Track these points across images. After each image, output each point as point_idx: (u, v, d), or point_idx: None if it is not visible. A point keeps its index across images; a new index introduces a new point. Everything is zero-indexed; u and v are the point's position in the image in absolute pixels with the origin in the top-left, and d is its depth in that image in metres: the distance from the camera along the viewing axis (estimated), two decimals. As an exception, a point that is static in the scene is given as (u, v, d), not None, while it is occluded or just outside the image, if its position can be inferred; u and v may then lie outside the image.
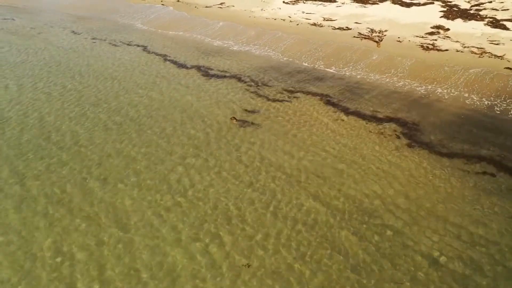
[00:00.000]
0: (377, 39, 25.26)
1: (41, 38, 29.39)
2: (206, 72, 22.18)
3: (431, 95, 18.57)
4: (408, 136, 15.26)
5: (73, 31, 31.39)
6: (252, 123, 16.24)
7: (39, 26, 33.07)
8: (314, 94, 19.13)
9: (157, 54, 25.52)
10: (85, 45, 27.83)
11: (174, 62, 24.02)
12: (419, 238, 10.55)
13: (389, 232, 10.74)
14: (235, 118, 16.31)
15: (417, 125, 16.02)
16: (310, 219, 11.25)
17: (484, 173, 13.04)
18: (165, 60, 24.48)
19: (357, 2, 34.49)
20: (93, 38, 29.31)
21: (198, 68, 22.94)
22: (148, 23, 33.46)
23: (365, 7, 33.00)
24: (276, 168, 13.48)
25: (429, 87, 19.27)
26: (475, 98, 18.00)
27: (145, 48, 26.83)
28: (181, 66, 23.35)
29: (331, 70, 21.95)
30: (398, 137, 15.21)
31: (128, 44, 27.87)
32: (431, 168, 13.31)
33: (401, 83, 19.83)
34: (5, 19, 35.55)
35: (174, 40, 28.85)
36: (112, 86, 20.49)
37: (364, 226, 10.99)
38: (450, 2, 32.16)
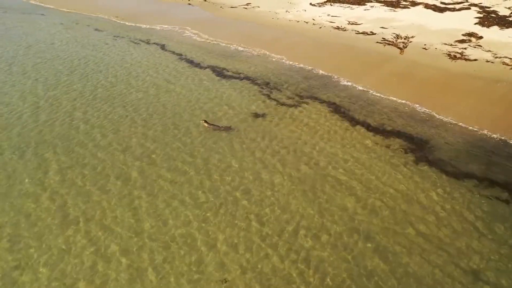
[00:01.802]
0: (401, 45, 23.88)
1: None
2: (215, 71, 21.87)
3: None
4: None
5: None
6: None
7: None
8: (322, 102, 18.25)
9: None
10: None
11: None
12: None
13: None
14: (206, 122, 15.97)
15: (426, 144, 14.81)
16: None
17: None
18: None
19: (387, 6, 32.99)
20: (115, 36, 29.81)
21: (213, 68, 22.64)
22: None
23: (394, 11, 31.45)
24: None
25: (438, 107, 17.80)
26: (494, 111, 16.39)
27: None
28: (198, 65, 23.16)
29: (343, 78, 20.82)
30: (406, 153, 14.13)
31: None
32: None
33: (408, 101, 18.18)
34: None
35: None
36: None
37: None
38: (489, 8, 29.99)
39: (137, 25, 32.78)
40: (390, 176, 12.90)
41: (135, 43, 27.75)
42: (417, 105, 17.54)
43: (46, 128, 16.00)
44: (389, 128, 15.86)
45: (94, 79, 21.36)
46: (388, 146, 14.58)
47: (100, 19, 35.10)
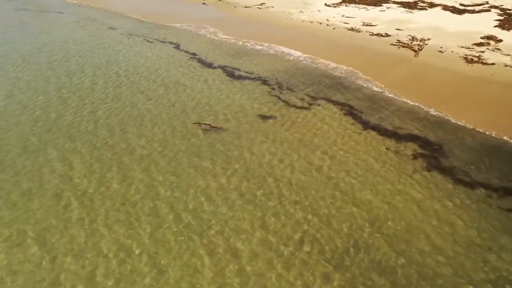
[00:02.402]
0: (416, 48, 23.31)
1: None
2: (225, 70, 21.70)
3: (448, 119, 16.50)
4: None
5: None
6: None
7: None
8: (336, 103, 17.88)
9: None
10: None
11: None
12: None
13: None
14: (199, 123, 15.94)
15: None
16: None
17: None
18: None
19: (404, 7, 32.33)
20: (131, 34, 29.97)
21: (224, 68, 22.49)
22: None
23: (411, 12, 30.79)
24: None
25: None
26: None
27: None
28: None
29: (355, 79, 20.36)
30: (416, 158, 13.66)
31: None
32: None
33: (422, 104, 17.64)
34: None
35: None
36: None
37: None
38: (510, 10, 29.06)
39: (165, 24, 32.60)
40: (404, 184, 12.41)
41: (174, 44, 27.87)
42: (432, 109, 16.99)
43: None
44: (402, 132, 15.34)
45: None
46: (401, 151, 14.08)
47: (129, 19, 35.34)
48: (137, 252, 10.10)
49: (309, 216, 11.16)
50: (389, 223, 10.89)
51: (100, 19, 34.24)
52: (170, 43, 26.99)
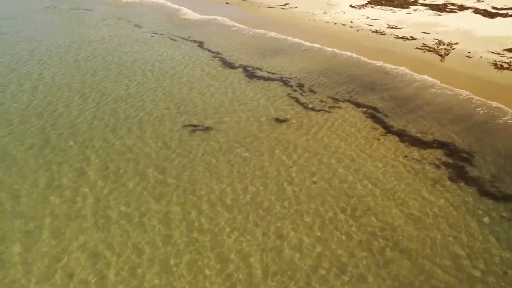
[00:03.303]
0: (442, 52, 22.41)
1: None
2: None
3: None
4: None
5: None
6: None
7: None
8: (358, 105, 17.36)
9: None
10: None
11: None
12: None
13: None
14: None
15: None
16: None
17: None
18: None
19: (432, 10, 31.26)
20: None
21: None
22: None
23: (439, 15, 29.71)
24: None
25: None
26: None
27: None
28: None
29: (374, 81, 19.73)
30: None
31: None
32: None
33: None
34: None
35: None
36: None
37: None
38: (546, 14, 27.57)
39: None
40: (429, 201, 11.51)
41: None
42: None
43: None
44: (429, 139, 14.61)
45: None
46: (427, 160, 13.39)
47: (154, 17, 35.86)
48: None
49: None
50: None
51: (132, 18, 34.76)
52: (195, 41, 27.01)
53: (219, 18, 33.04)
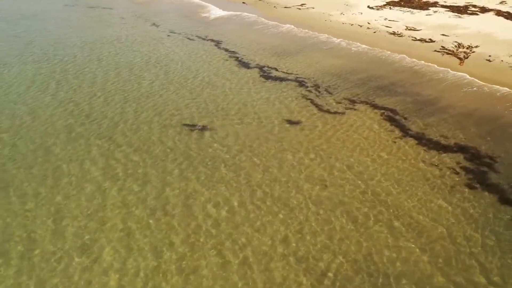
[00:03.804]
0: (462, 55, 21.84)
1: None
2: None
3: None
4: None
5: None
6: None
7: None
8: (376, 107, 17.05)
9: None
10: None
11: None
12: None
13: None
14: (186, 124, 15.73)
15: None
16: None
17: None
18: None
19: (453, 12, 30.53)
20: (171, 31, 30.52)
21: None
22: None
23: (460, 17, 29.00)
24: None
25: None
26: None
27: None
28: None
29: (388, 83, 19.34)
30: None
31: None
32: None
33: None
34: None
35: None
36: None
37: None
38: None
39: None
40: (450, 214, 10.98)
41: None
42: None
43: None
44: (447, 143, 14.22)
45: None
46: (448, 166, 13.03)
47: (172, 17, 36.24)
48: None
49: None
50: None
51: (151, 17, 35.13)
52: (212, 40, 27.08)
53: (245, 14, 33.76)
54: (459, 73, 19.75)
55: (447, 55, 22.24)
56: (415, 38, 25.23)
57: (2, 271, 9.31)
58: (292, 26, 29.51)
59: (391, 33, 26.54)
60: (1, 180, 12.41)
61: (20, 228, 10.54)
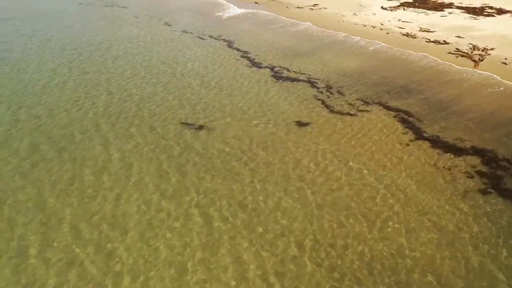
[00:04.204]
0: (477, 58, 21.44)
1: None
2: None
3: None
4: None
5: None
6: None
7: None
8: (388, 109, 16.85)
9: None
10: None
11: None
12: None
13: None
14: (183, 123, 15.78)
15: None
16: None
17: None
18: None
19: (468, 13, 30.03)
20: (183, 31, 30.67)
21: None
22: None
23: (476, 19, 28.50)
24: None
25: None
26: None
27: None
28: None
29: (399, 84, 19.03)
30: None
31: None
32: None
33: None
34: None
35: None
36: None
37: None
38: None
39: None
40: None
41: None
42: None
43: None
44: (462, 146, 13.99)
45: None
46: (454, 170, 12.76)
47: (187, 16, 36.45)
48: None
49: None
50: None
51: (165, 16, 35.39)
52: (224, 40, 27.15)
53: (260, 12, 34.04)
54: (484, 72, 19.46)
55: (461, 57, 21.87)
56: (429, 39, 24.87)
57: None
58: (310, 24, 29.78)
59: (404, 35, 26.21)
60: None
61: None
